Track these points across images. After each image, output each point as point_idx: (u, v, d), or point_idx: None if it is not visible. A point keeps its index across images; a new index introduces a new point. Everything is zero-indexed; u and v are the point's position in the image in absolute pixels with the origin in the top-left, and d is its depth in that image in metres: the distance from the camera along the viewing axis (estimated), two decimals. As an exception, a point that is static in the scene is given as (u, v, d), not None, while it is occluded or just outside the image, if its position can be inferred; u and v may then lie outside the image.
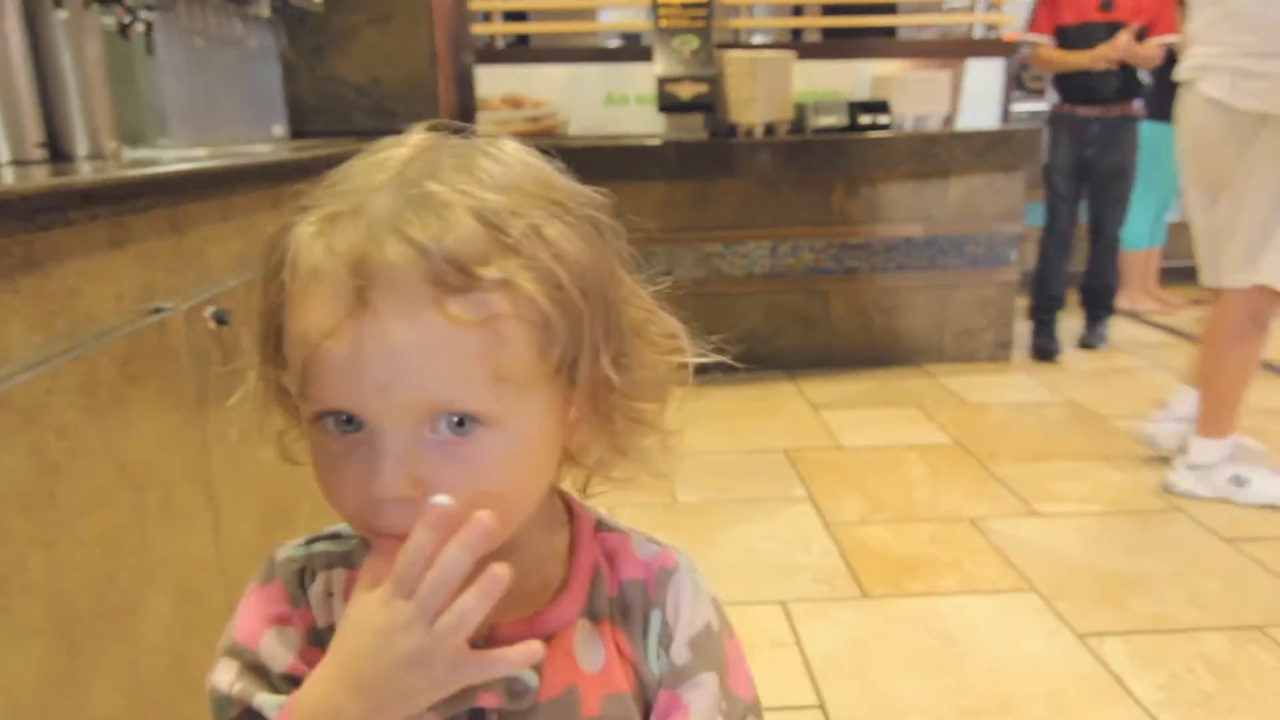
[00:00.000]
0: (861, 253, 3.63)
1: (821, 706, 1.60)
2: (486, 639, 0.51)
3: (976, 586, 2.00)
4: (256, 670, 0.53)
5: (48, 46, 1.69)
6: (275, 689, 0.53)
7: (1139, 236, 4.47)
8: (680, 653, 0.55)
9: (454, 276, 0.44)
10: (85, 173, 1.23)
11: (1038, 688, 1.65)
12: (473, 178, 0.48)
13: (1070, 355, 3.81)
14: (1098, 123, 3.63)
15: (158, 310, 1.20)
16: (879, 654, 1.76)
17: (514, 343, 0.46)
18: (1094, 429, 2.96)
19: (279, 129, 3.03)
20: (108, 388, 1.05)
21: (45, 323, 0.97)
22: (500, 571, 0.44)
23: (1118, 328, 4.27)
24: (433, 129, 0.52)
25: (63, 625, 0.94)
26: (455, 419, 0.46)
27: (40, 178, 1.03)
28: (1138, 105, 3.74)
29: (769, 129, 3.43)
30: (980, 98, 3.83)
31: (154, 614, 1.13)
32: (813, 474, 2.64)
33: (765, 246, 3.59)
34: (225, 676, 0.53)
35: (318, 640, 0.53)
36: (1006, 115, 3.89)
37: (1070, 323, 4.13)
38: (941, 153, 3.46)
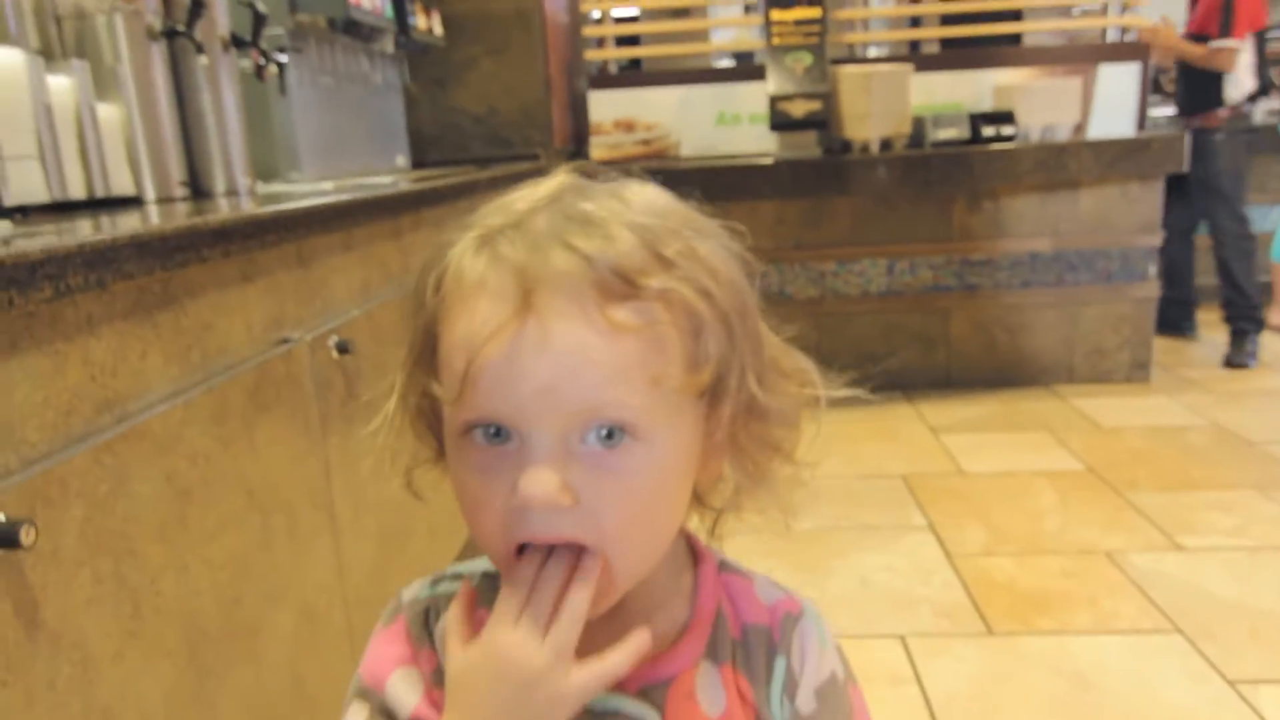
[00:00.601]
0: (984, 269, 3.49)
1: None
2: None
3: (1113, 625, 1.88)
4: (385, 715, 0.54)
5: (190, 90, 1.80)
6: None
7: None
8: (807, 702, 0.53)
9: (616, 284, 0.45)
10: (221, 210, 1.29)
11: (1183, 739, 1.53)
12: (624, 203, 0.49)
13: (1215, 376, 3.56)
14: None
15: (284, 341, 1.25)
16: (1005, 695, 1.67)
17: (670, 352, 0.47)
18: (1243, 456, 2.75)
19: (401, 159, 3.14)
20: (237, 416, 1.10)
21: (180, 356, 1.02)
22: (645, 636, 0.47)
23: (1270, 345, 3.98)
24: (574, 170, 0.53)
25: (192, 646, 0.99)
26: (605, 431, 0.46)
27: (177, 218, 1.09)
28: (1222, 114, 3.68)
29: (885, 144, 3.35)
30: (1115, 104, 3.64)
31: (277, 635, 1.18)
32: (932, 501, 2.55)
33: (881, 264, 3.50)
34: (357, 718, 0.54)
35: (441, 680, 0.54)
36: (1143, 122, 3.69)
37: (1226, 341, 3.87)
38: (1071, 163, 3.30)
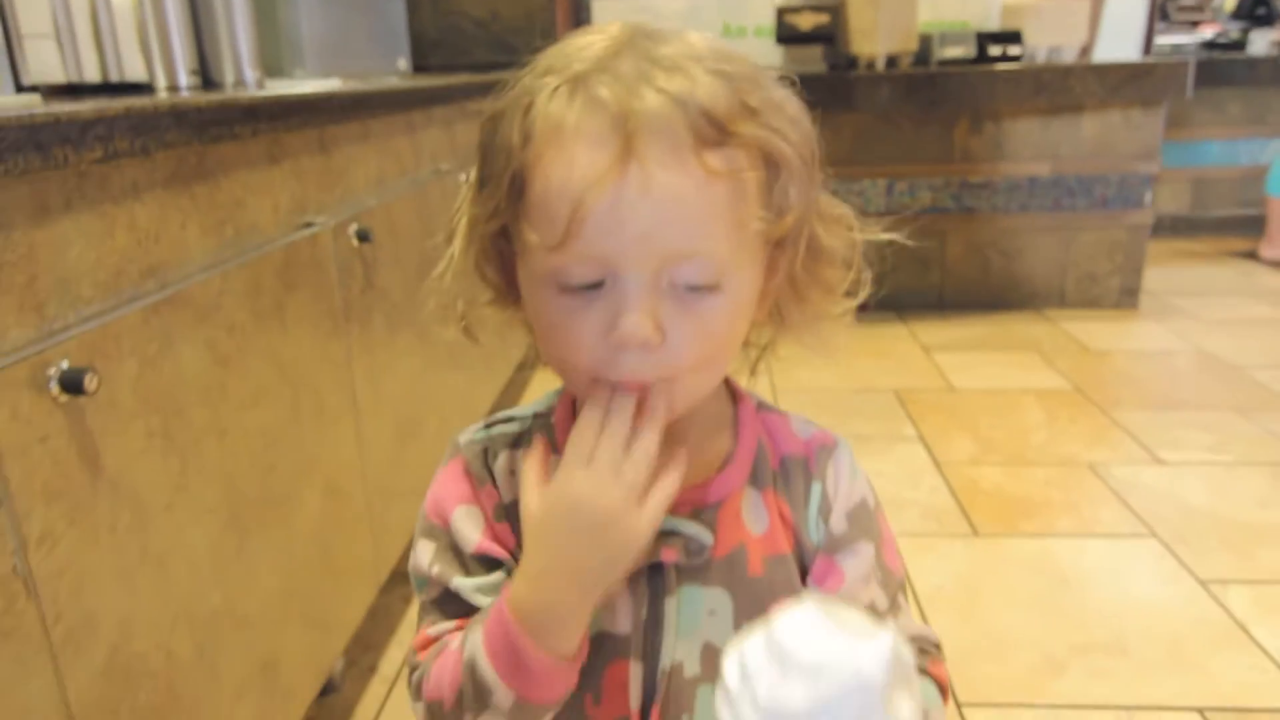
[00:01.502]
0: (982, 192, 3.51)
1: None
2: None
3: (1093, 530, 1.97)
4: (453, 550, 0.57)
5: (200, -21, 1.78)
6: (467, 569, 0.57)
7: None
8: (839, 523, 0.58)
9: (708, 130, 0.47)
10: (225, 95, 1.30)
11: (1154, 630, 1.62)
12: (694, 48, 0.50)
13: (1203, 304, 3.63)
14: None
15: (308, 225, 1.27)
16: (989, 590, 1.76)
17: (751, 197, 0.49)
18: (1226, 380, 2.83)
19: (403, 62, 3.10)
20: (268, 294, 1.13)
21: (216, 229, 1.05)
22: (682, 454, 0.50)
23: (1259, 276, 4.04)
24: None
25: (233, 507, 1.04)
26: (691, 273, 0.48)
27: (209, 95, 1.10)
28: None
29: (891, 61, 3.33)
30: (1121, 28, 3.62)
31: (305, 507, 1.23)
32: (923, 414, 2.61)
33: (881, 185, 3.51)
34: (424, 557, 0.58)
35: (502, 515, 0.58)
36: (1149, 47, 3.67)
37: (1215, 271, 3.93)
38: (1076, 86, 3.29)
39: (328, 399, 1.30)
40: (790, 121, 0.50)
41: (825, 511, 0.58)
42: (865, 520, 0.59)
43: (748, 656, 0.40)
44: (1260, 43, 4.92)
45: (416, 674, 0.56)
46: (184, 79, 1.73)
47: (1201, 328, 3.34)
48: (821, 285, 0.56)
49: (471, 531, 0.57)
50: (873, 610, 0.57)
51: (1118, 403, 2.66)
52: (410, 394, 1.66)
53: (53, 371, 0.75)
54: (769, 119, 0.49)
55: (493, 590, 0.56)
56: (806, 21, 3.28)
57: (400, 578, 1.80)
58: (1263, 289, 3.86)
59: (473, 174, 0.56)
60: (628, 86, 0.47)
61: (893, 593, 0.58)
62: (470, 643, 0.52)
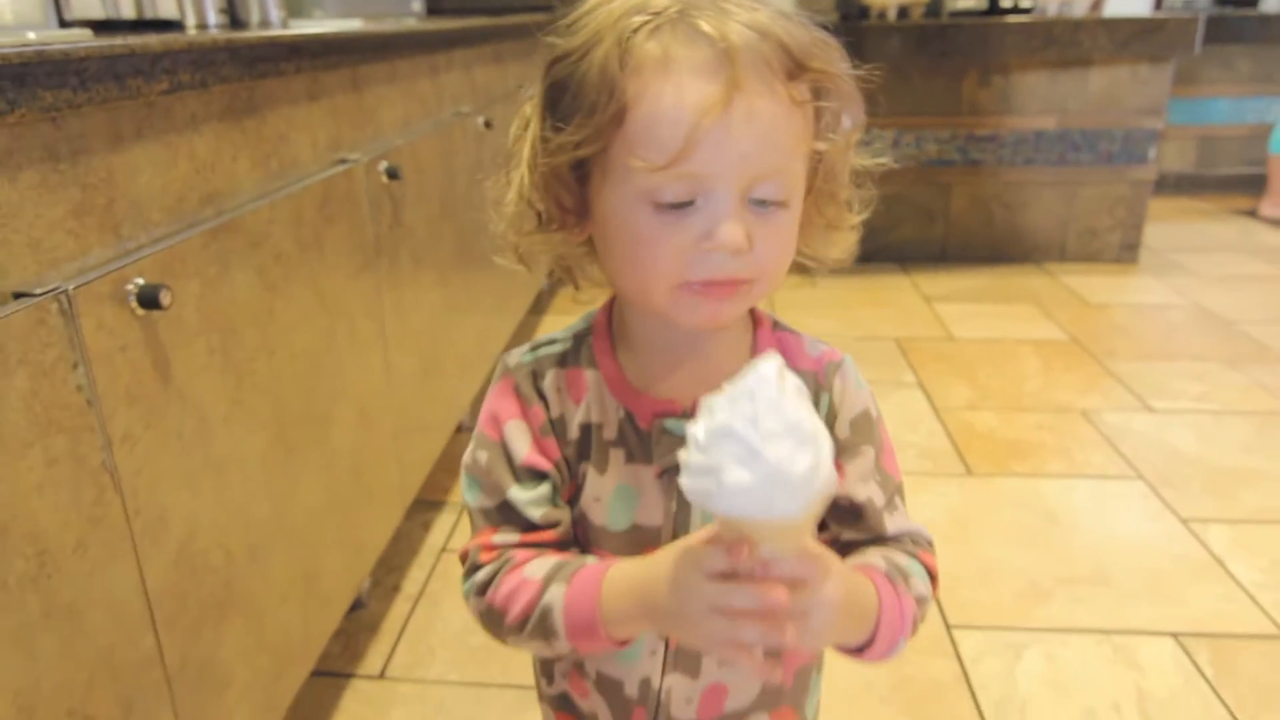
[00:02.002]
0: (989, 145, 3.55)
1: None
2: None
3: (1082, 471, 2.05)
4: (506, 460, 0.63)
5: (228, -83, 1.81)
6: (518, 478, 0.63)
7: None
8: (843, 429, 0.65)
9: (789, 63, 0.53)
10: (273, 31, 1.35)
11: (1136, 563, 1.71)
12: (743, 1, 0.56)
13: (1202, 260, 3.68)
14: None
15: (343, 161, 1.33)
16: (980, 524, 1.85)
17: (814, 125, 0.56)
18: (1219, 333, 2.90)
19: (417, 4, 3.11)
20: (309, 225, 1.20)
21: (263, 161, 1.11)
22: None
23: (1259, 234, 4.09)
24: None
25: (280, 423, 1.11)
26: (764, 198, 0.55)
27: (258, 32, 1.15)
28: None
29: (903, 12, 3.34)
30: (1132, -18, 3.62)
31: (342, 427, 1.31)
32: (923, 362, 2.69)
33: (888, 136, 3.54)
34: (482, 465, 0.64)
35: (549, 430, 0.64)
36: (1160, 2, 3.67)
37: (1216, 228, 3.98)
38: (1085, 40, 3.31)
39: (360, 329, 1.37)
40: (840, 57, 0.57)
41: (831, 419, 0.65)
42: (867, 427, 0.66)
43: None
44: (1273, 1, 4.90)
45: (480, 574, 0.62)
46: (213, 17, 1.78)
47: (1199, 283, 3.40)
48: (835, 199, 0.62)
49: (521, 445, 0.63)
50: (871, 506, 0.64)
51: (1112, 353, 2.73)
52: (432, 330, 1.73)
53: (130, 287, 0.82)
54: (828, 56, 0.56)
55: (543, 502, 0.63)
56: (819, -31, 3.28)
57: (421, 505, 1.89)
58: (1261, 246, 3.91)
59: (534, 108, 0.61)
60: (719, 26, 0.53)
61: (890, 493, 0.65)
62: (551, 593, 0.59)
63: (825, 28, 0.58)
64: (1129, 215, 3.61)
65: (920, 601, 0.62)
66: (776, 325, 0.69)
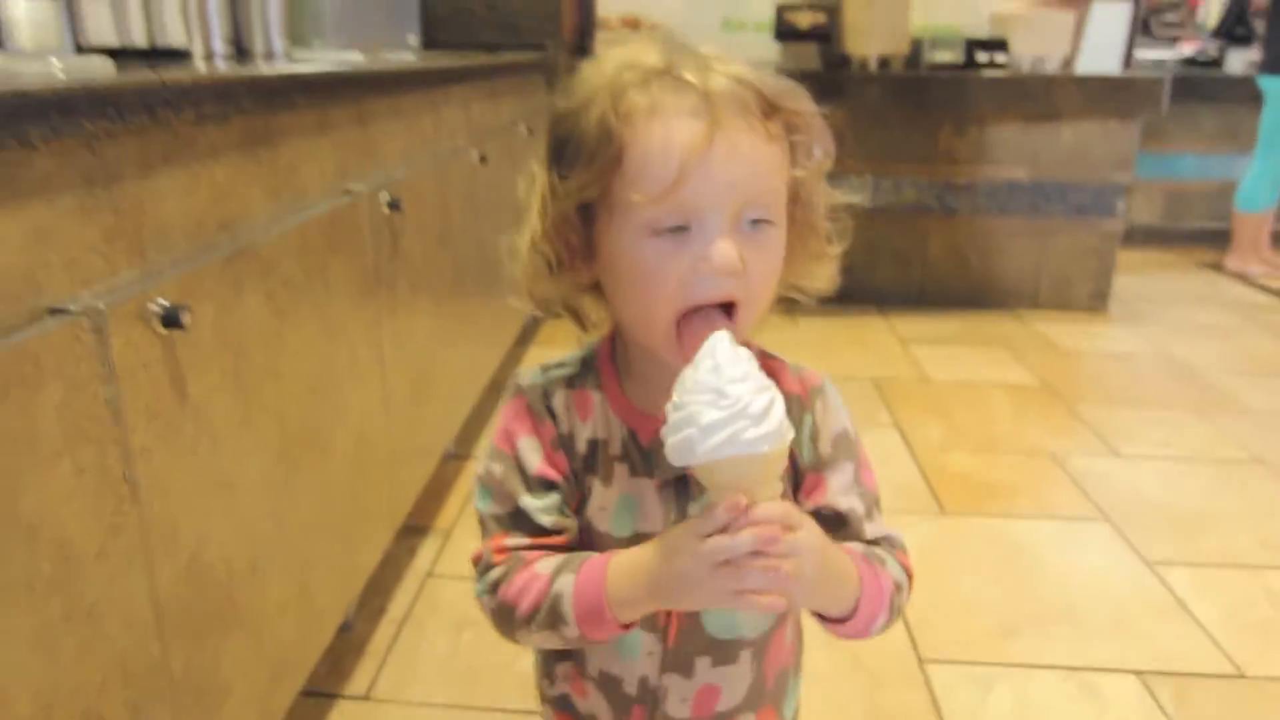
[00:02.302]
0: (964, 193, 3.65)
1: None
2: None
3: (1051, 512, 2.12)
4: (519, 472, 0.68)
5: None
6: (530, 488, 0.68)
7: (1255, 199, 4.37)
8: (824, 446, 0.70)
9: (764, 104, 0.61)
10: (291, 66, 1.40)
11: (1101, 602, 1.77)
12: (719, 52, 0.63)
13: (1170, 310, 3.80)
14: None
15: (348, 192, 1.38)
16: (952, 562, 1.90)
17: (789, 157, 0.63)
18: (1186, 382, 2.99)
19: (413, 38, 3.19)
20: (316, 253, 1.24)
21: (275, 192, 1.15)
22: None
23: (1224, 287, 4.22)
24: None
25: (282, 444, 1.15)
26: (757, 216, 0.61)
27: (275, 67, 1.20)
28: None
29: (883, 62, 3.46)
30: (1103, 41, 3.76)
31: (340, 450, 1.34)
32: (899, 403, 2.76)
33: (868, 181, 3.64)
34: (496, 476, 0.69)
35: (559, 446, 0.69)
36: (1129, 61, 3.82)
37: (1183, 280, 4.10)
38: (1057, 96, 3.44)
39: (360, 356, 1.41)
40: (807, 99, 0.64)
41: (814, 437, 0.70)
42: (846, 445, 0.71)
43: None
44: (1237, 62, 5.10)
45: (493, 573, 0.67)
46: (219, 46, 1.83)
47: (1166, 332, 3.50)
48: (815, 230, 0.68)
49: (533, 458, 0.68)
50: (853, 514, 0.69)
51: (1082, 398, 2.81)
52: (426, 358, 1.77)
53: (154, 308, 0.85)
54: (797, 97, 0.63)
55: (553, 511, 0.68)
56: (805, 20, 3.40)
57: (409, 531, 1.92)
58: (1226, 299, 4.04)
59: (539, 163, 0.66)
60: (701, 76, 0.60)
61: (868, 503, 0.70)
62: (560, 582, 0.64)
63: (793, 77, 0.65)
64: (1099, 265, 3.73)
65: (897, 587, 0.67)
66: (764, 353, 0.74)
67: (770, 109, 0.61)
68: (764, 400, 0.56)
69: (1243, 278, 4.42)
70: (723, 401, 0.55)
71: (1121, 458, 2.41)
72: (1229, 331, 3.57)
